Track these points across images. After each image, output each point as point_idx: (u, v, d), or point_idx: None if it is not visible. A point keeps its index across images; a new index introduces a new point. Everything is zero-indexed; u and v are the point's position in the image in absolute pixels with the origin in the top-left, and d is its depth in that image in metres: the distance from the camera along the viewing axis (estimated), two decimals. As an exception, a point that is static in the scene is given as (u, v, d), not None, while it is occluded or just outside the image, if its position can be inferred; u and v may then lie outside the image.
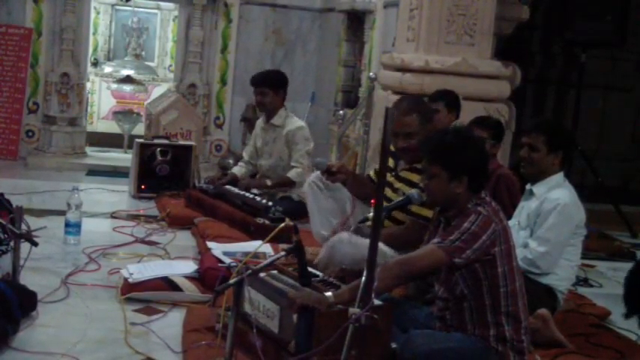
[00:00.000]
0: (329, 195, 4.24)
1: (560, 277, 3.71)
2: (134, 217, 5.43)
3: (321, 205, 4.24)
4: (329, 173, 3.99)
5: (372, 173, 4.28)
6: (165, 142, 6.44)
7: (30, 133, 8.05)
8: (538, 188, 3.76)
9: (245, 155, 5.83)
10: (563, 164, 3.78)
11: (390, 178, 4.01)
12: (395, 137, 3.82)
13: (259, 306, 3.00)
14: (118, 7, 9.75)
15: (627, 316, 4.38)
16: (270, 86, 5.46)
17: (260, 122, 5.70)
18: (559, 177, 3.75)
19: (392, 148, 3.88)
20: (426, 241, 3.01)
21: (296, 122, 5.53)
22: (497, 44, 6.08)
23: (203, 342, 3.14)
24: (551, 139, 3.70)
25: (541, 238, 3.64)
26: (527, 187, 3.86)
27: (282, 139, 5.48)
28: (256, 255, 3.67)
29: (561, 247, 3.68)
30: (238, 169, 5.74)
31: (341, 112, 7.58)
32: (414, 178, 3.84)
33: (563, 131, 3.95)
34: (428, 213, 3.66)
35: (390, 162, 4.05)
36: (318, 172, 4.19)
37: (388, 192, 3.97)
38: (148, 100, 8.61)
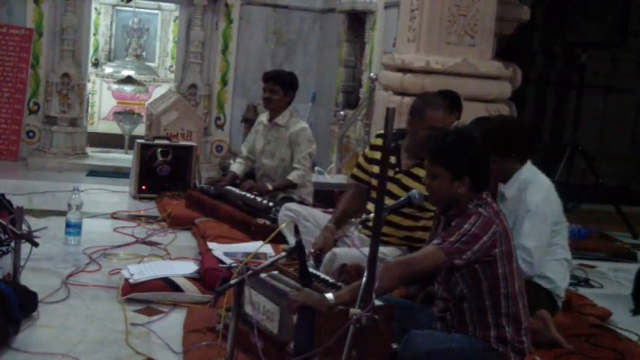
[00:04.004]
0: (304, 222, 4.22)
1: (555, 280, 3.64)
2: (135, 218, 5.43)
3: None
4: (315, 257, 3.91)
5: (361, 160, 4.18)
6: (166, 142, 6.44)
7: (31, 134, 8.06)
8: (508, 190, 3.65)
9: (243, 150, 5.80)
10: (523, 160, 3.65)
11: (396, 175, 3.96)
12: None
13: (260, 307, 3.00)
14: (118, 8, 9.75)
15: (635, 312, 4.35)
16: (281, 85, 5.46)
17: (262, 120, 5.66)
18: (527, 171, 3.62)
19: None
20: (427, 241, 3.01)
21: (299, 124, 5.52)
22: (498, 45, 6.09)
23: (204, 342, 3.14)
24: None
25: (522, 246, 3.43)
26: (500, 189, 3.72)
27: (285, 140, 5.46)
28: (257, 255, 3.68)
29: (544, 248, 3.58)
30: (237, 167, 5.72)
31: (342, 112, 7.59)
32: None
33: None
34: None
35: (393, 158, 4.03)
36: (288, 204, 4.43)
37: (395, 188, 3.92)
38: (149, 101, 8.61)
